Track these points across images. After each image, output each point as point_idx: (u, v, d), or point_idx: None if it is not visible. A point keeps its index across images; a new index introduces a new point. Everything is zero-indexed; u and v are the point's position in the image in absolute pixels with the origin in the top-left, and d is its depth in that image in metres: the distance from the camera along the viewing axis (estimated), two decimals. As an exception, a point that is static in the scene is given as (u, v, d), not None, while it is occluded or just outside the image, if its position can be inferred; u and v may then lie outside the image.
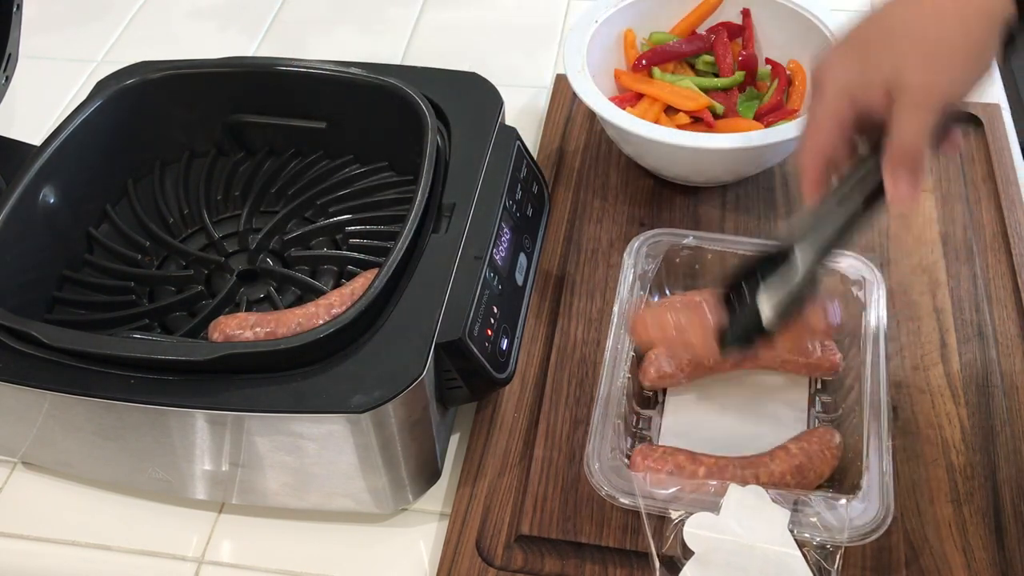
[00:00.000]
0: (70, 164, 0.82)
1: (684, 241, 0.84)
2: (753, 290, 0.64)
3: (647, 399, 0.80)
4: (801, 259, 0.62)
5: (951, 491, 0.74)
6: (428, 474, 0.75)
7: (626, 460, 0.73)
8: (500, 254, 0.78)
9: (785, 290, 0.63)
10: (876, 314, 0.78)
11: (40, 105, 1.14)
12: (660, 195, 0.97)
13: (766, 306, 0.64)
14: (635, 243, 0.84)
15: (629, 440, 0.77)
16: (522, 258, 0.82)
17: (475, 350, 0.70)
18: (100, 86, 0.88)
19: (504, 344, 0.75)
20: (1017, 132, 1.04)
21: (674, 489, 0.69)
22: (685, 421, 0.79)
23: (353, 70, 0.86)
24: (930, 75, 0.58)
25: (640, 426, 0.79)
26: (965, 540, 0.71)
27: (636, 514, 0.70)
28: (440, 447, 0.74)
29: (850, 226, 0.62)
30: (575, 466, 0.76)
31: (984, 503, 0.73)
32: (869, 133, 0.62)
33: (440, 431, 0.73)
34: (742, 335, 0.65)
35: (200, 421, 0.67)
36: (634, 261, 0.83)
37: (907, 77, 0.58)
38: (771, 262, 0.64)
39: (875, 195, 0.61)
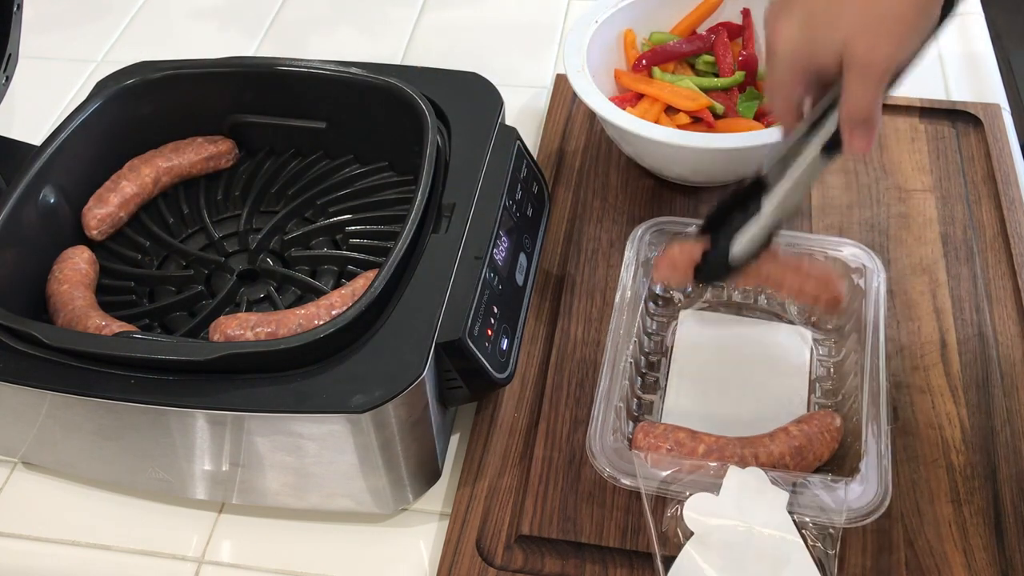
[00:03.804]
0: (70, 164, 0.82)
1: (687, 230, 0.85)
2: (728, 230, 0.71)
3: (650, 382, 0.80)
4: (767, 203, 0.69)
5: (951, 491, 0.74)
6: (428, 474, 0.75)
7: (627, 442, 0.73)
8: (500, 254, 0.78)
9: (750, 232, 0.70)
10: (876, 300, 0.79)
11: (40, 105, 1.14)
12: (660, 195, 0.98)
13: (734, 245, 0.71)
14: (638, 231, 0.85)
15: (631, 424, 0.77)
16: (522, 258, 0.82)
17: (475, 350, 0.70)
18: (100, 86, 0.88)
19: (504, 344, 0.75)
20: (1017, 132, 1.04)
21: (674, 469, 0.69)
22: (687, 403, 0.80)
23: (353, 70, 0.86)
24: (878, 45, 0.60)
25: (641, 410, 0.79)
26: (965, 540, 0.71)
27: (637, 514, 0.70)
28: (440, 447, 0.74)
29: (811, 173, 0.68)
30: (575, 466, 0.76)
31: (984, 503, 0.73)
32: (827, 86, 0.65)
33: (440, 431, 0.73)
34: (712, 270, 0.73)
35: (200, 421, 0.67)
36: (637, 248, 0.84)
37: (856, 48, 0.61)
38: (743, 203, 0.70)
39: (833, 145, 0.65)
